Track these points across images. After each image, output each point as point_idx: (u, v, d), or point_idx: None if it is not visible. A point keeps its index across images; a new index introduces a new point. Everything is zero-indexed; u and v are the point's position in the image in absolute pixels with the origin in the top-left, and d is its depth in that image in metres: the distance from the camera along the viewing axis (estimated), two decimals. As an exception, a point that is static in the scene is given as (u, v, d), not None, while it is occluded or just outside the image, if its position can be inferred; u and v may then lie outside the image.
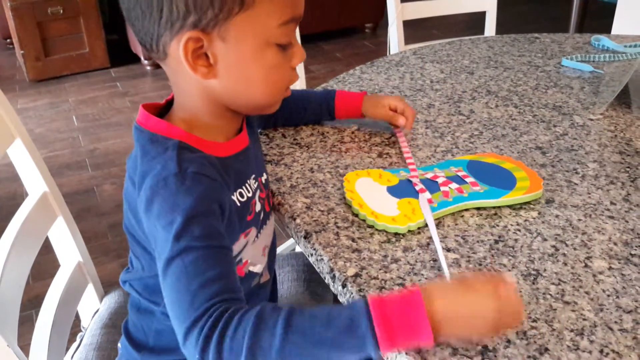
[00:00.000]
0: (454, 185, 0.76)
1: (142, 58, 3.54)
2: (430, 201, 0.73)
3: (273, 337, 0.50)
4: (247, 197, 0.68)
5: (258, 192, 0.72)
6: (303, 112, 0.97)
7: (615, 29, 2.07)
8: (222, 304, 0.53)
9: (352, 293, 0.61)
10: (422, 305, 0.50)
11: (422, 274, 0.63)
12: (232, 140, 0.69)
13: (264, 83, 0.65)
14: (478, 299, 0.51)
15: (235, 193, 0.66)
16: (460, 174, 0.79)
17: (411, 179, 0.78)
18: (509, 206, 0.75)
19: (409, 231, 0.70)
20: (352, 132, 0.95)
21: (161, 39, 0.61)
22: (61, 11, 3.27)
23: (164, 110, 0.69)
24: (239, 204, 0.67)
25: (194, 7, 0.58)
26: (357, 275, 0.63)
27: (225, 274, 0.55)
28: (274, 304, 0.54)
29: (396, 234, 0.70)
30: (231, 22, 0.59)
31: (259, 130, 0.96)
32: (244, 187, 0.68)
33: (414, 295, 0.51)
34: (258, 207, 0.72)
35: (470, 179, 0.78)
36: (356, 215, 0.73)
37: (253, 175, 0.71)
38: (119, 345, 0.80)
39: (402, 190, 0.76)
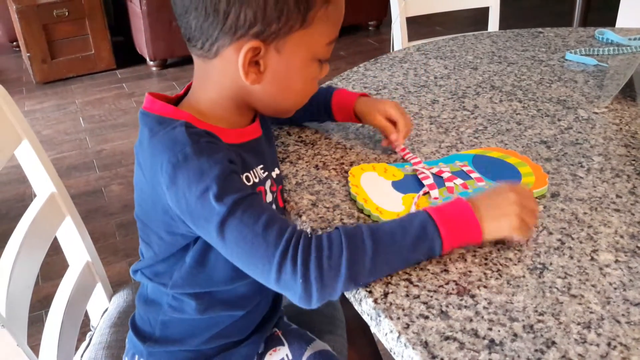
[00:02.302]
0: (458, 181, 0.77)
1: (147, 59, 3.55)
2: (435, 198, 0.74)
3: (365, 250, 0.57)
4: (254, 182, 0.69)
5: (268, 183, 0.72)
6: (303, 111, 0.91)
7: (620, 23, 2.06)
8: (297, 233, 0.58)
9: (358, 289, 0.61)
10: (469, 207, 0.61)
11: (428, 269, 0.64)
12: (240, 130, 0.70)
13: (300, 93, 0.70)
14: (504, 200, 0.63)
15: (242, 176, 0.67)
16: (465, 168, 0.80)
17: (419, 175, 0.78)
18: (514, 200, 0.75)
19: (415, 227, 0.71)
20: (357, 129, 0.95)
21: (218, 41, 0.63)
22: (66, 13, 3.29)
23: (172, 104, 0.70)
24: None
25: (261, 19, 0.61)
26: (363, 271, 0.63)
27: (273, 211, 0.60)
28: (349, 226, 0.60)
29: (402, 229, 0.70)
30: (289, 37, 0.63)
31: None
32: (250, 172, 0.69)
33: (461, 201, 0.62)
34: (269, 197, 0.72)
35: (475, 175, 0.78)
36: (361, 211, 0.73)
37: (261, 166, 0.72)
38: (127, 340, 0.81)
39: (407, 185, 0.76)
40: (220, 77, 0.67)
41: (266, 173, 0.73)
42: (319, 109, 0.91)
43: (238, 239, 0.58)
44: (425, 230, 0.59)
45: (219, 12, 0.61)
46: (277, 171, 0.76)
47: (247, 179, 0.68)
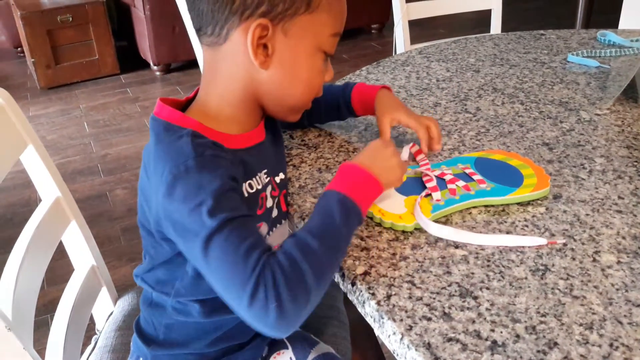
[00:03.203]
0: (461, 183, 0.77)
1: (151, 63, 3.56)
2: (438, 200, 0.74)
3: (315, 250, 0.58)
4: (257, 189, 0.70)
5: (269, 189, 0.73)
6: (324, 107, 0.93)
7: (622, 24, 2.06)
8: (265, 262, 0.57)
9: (361, 291, 0.62)
10: (365, 170, 0.66)
11: (431, 271, 0.64)
12: (246, 134, 0.71)
13: (306, 84, 0.71)
14: (384, 155, 0.70)
15: (244, 184, 0.68)
16: (467, 171, 0.80)
17: (424, 177, 0.78)
18: (517, 202, 0.76)
19: (417, 229, 0.71)
20: (359, 132, 0.96)
21: (228, 23, 0.65)
22: (70, 19, 3.31)
23: (182, 108, 0.71)
24: (246, 195, 0.68)
25: None
26: (366, 273, 0.64)
27: (259, 236, 0.60)
28: (287, 239, 0.61)
29: (404, 231, 0.70)
30: (295, 20, 0.66)
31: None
32: (253, 179, 0.70)
33: (355, 167, 0.67)
34: (269, 203, 0.73)
35: (477, 177, 0.78)
36: (364, 214, 0.73)
37: (265, 171, 0.72)
38: (131, 343, 0.81)
39: (410, 187, 0.77)
40: (230, 66, 0.68)
41: (269, 178, 0.73)
42: (339, 103, 0.92)
43: (220, 257, 0.57)
44: (346, 206, 0.63)
45: None
46: (281, 175, 0.77)
47: (251, 186, 0.69)
